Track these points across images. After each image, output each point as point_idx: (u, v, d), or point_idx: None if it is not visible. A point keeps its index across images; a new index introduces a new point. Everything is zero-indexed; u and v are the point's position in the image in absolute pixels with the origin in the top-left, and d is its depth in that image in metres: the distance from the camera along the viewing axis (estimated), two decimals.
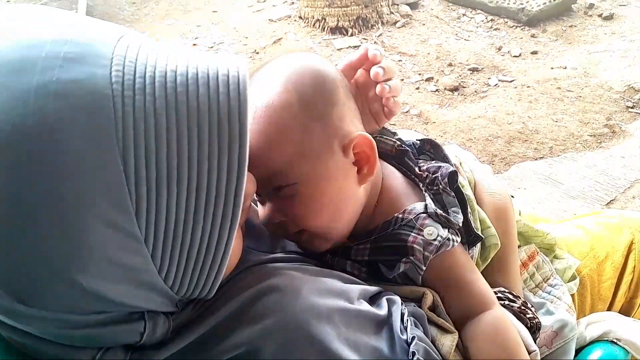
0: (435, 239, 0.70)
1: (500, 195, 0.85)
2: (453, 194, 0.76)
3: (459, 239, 0.73)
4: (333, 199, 0.70)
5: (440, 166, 0.77)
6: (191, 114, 0.45)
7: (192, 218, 0.47)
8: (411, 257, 0.70)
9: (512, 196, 1.04)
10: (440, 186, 0.76)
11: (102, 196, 0.42)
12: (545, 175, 2.43)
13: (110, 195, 0.42)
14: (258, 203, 0.74)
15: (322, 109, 0.69)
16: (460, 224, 0.74)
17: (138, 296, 0.50)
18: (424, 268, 0.70)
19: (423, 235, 0.70)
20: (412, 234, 0.70)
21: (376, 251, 0.72)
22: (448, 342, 0.68)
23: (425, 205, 0.73)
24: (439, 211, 0.73)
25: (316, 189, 0.69)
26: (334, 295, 0.61)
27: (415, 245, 0.70)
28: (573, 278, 0.97)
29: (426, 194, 0.75)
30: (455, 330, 0.70)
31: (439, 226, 0.71)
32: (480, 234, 0.77)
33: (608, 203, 2.23)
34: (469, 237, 0.76)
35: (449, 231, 0.72)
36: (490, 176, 0.90)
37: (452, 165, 0.80)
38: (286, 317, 0.56)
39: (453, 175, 0.77)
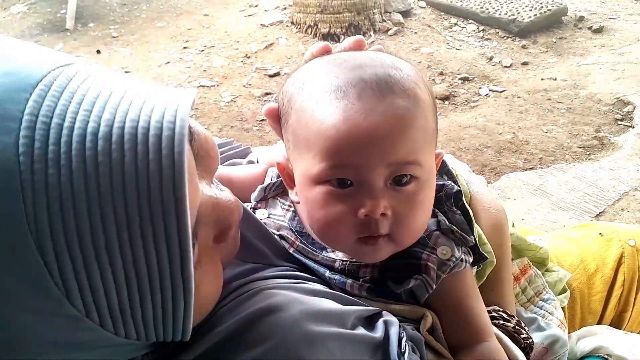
0: (449, 259, 0.67)
1: (495, 210, 0.83)
2: (459, 212, 0.73)
3: (471, 259, 0.71)
4: (431, 204, 0.67)
5: (443, 184, 0.74)
6: (116, 189, 0.38)
7: (136, 291, 0.42)
8: (424, 275, 0.67)
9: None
10: (446, 206, 0.73)
11: (20, 286, 0.38)
12: (535, 186, 2.42)
13: (29, 283, 0.38)
14: (371, 196, 0.63)
15: (436, 110, 0.68)
16: (473, 242, 0.72)
17: (99, 356, 0.47)
18: (434, 287, 0.67)
19: (437, 254, 0.67)
20: (426, 252, 0.68)
21: (385, 269, 0.69)
22: None
23: (438, 222, 0.70)
24: (454, 227, 0.70)
25: (430, 189, 0.66)
26: (329, 319, 0.58)
27: (429, 264, 0.67)
28: (564, 291, 0.95)
29: (436, 211, 0.72)
30: (451, 357, 0.68)
31: (453, 244, 0.69)
32: (485, 254, 0.74)
33: (597, 215, 2.23)
34: (474, 255, 0.73)
35: (462, 250, 0.69)
36: (485, 189, 0.87)
37: (455, 181, 0.78)
38: (281, 344, 0.54)
39: (458, 195, 0.74)
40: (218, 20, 4.47)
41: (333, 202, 0.62)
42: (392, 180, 0.62)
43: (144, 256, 0.40)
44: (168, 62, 3.80)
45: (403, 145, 0.60)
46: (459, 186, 0.78)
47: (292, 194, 0.73)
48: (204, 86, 3.46)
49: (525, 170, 2.56)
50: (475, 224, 0.78)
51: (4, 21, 4.70)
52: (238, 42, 4.02)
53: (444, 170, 0.79)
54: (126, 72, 3.70)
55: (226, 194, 0.56)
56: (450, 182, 0.76)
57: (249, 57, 3.78)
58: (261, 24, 4.25)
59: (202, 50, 3.94)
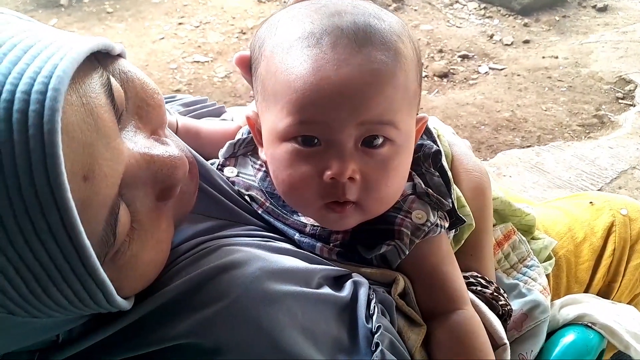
0: (424, 224, 0.63)
1: (478, 173, 0.79)
2: (437, 174, 0.69)
3: (446, 224, 0.67)
4: (406, 173, 0.63)
5: (422, 144, 0.70)
6: None
7: (36, 284, 0.38)
8: (396, 240, 0.63)
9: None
10: (423, 167, 0.69)
11: None
12: (532, 164, 2.38)
13: None
14: (341, 157, 0.57)
15: (421, 70, 0.63)
16: (450, 206, 0.68)
17: (24, 334, 0.43)
18: (407, 252, 0.64)
19: (411, 218, 0.64)
20: (399, 216, 0.64)
21: (358, 234, 0.65)
22: (414, 335, 0.63)
23: (414, 185, 0.66)
24: (430, 191, 0.66)
25: (406, 154, 0.61)
26: (292, 278, 0.55)
27: (403, 229, 0.63)
28: (549, 258, 0.92)
29: (413, 173, 0.68)
30: (424, 324, 0.64)
31: (429, 208, 0.65)
32: (463, 218, 0.70)
33: None
34: (450, 219, 0.69)
35: (437, 214, 0.66)
36: (468, 152, 0.84)
37: (435, 141, 0.74)
38: (235, 303, 0.50)
39: (437, 155, 0.70)
40: None
41: (298, 162, 0.58)
42: (363, 141, 0.57)
43: (30, 252, 0.36)
44: (162, 38, 3.74)
45: (377, 103, 0.54)
46: (439, 146, 0.74)
47: (261, 152, 0.68)
48: (198, 62, 3.40)
49: (523, 147, 2.51)
50: (454, 186, 0.74)
51: None
52: (234, 18, 3.95)
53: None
54: None
55: (168, 149, 0.50)
56: (429, 141, 0.72)
57: (244, 33, 3.72)
58: (258, 0, 4.18)
59: (197, 26, 3.87)
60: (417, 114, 0.65)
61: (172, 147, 0.51)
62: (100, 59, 0.46)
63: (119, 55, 0.50)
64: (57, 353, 0.50)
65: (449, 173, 0.73)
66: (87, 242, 0.38)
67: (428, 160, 0.69)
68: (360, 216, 0.62)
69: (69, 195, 0.35)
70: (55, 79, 0.35)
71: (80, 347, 0.50)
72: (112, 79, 0.45)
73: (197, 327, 0.49)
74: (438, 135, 0.80)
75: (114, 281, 0.43)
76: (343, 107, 0.54)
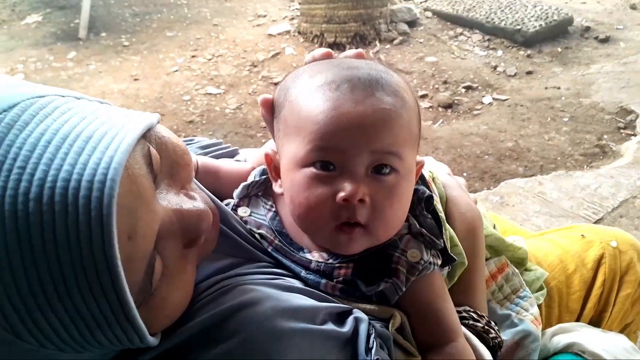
0: (418, 262, 0.70)
1: (470, 214, 0.85)
2: (430, 216, 0.76)
3: (439, 262, 0.73)
4: (408, 202, 0.71)
5: (416, 189, 0.77)
6: (48, 250, 0.41)
7: (86, 329, 0.46)
8: (394, 278, 0.69)
9: (487, 210, 1.04)
10: (417, 210, 0.75)
11: None
12: (534, 193, 2.43)
13: None
14: (348, 182, 0.65)
15: (420, 121, 0.73)
16: (442, 246, 0.74)
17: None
18: (404, 289, 0.69)
19: (407, 257, 0.70)
20: (396, 254, 0.70)
21: (359, 270, 0.71)
22: None
23: (409, 225, 0.72)
24: (424, 231, 0.72)
25: (409, 185, 0.69)
26: (299, 315, 0.61)
27: (399, 267, 0.69)
28: (541, 289, 0.97)
29: (408, 214, 0.74)
30: (419, 355, 0.70)
31: (423, 247, 0.71)
32: (454, 257, 0.77)
33: (596, 222, 2.23)
34: (442, 257, 0.76)
35: (430, 253, 0.72)
36: (462, 192, 0.90)
37: (427, 186, 0.81)
38: (249, 339, 0.56)
39: (429, 199, 0.76)
40: (227, 30, 4.55)
41: (315, 185, 0.65)
42: (374, 169, 0.65)
43: (84, 305, 0.44)
44: (176, 70, 3.88)
45: (386, 136, 0.64)
46: (431, 191, 0.80)
47: (275, 186, 0.75)
48: (210, 94, 3.52)
49: (525, 177, 2.57)
50: (448, 227, 0.81)
51: (20, 30, 4.83)
52: (245, 51, 4.09)
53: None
54: (135, 79, 3.78)
55: (194, 203, 0.57)
56: (422, 187, 0.79)
57: (255, 66, 3.84)
58: (269, 34, 4.32)
59: (210, 59, 4.01)
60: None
61: (199, 202, 0.59)
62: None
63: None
64: None
65: (441, 215, 0.79)
66: (130, 298, 0.45)
67: (421, 204, 0.76)
68: (368, 240, 0.68)
69: (120, 262, 0.44)
70: (112, 170, 0.44)
71: None
72: (151, 148, 0.53)
73: (221, 356, 0.55)
74: (433, 178, 0.87)
75: (146, 321, 0.50)
76: (358, 137, 0.63)
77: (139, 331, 0.48)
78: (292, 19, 4.51)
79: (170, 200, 0.55)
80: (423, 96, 3.36)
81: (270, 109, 0.74)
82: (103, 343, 0.48)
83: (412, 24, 4.31)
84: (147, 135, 0.54)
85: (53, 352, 0.47)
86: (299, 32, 4.20)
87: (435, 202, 0.78)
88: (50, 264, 0.42)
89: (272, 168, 0.76)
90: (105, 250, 0.43)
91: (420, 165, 0.75)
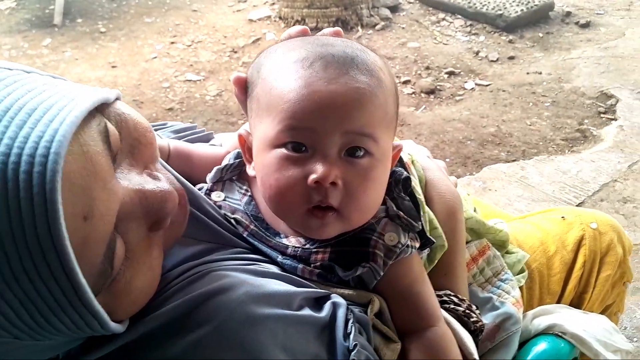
0: (396, 245, 0.68)
1: (450, 196, 0.83)
2: (408, 198, 0.74)
3: (417, 245, 0.71)
4: (384, 186, 0.68)
5: (393, 171, 0.75)
6: None
7: (39, 315, 0.43)
8: (371, 263, 0.67)
9: (468, 194, 1.03)
10: (395, 192, 0.74)
11: None
12: (517, 178, 2.44)
13: None
14: (320, 164, 0.63)
15: (398, 102, 0.71)
16: (420, 228, 0.72)
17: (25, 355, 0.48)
18: (382, 274, 0.68)
19: (384, 240, 0.68)
20: (374, 237, 0.68)
21: (337, 255, 0.69)
22: (390, 352, 0.67)
23: (386, 208, 0.71)
24: (401, 213, 0.70)
25: (384, 169, 0.67)
26: (274, 301, 0.59)
27: (376, 251, 0.67)
28: (522, 271, 0.96)
29: (386, 197, 0.73)
30: (399, 341, 0.69)
31: (400, 230, 0.69)
32: (433, 239, 0.75)
33: (577, 205, 2.24)
34: (421, 240, 0.74)
35: (408, 236, 0.70)
36: (441, 175, 0.88)
37: (405, 168, 0.79)
38: (222, 326, 0.54)
39: (406, 181, 0.74)
40: (206, 15, 4.47)
41: (286, 167, 0.63)
42: (347, 151, 0.62)
43: (34, 289, 0.41)
44: (155, 57, 3.80)
45: (360, 117, 0.61)
46: (409, 173, 0.78)
47: (249, 169, 0.73)
48: (190, 80, 3.46)
49: (508, 162, 2.57)
50: (427, 209, 0.79)
51: None
52: (225, 37, 4.02)
53: None
54: (113, 66, 3.70)
55: (158, 184, 0.55)
56: (399, 168, 0.77)
57: (235, 52, 3.78)
58: (249, 19, 4.26)
59: (190, 45, 3.94)
60: (394, 141, 0.71)
61: (163, 182, 0.56)
62: (98, 106, 0.51)
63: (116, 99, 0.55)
64: None
65: (419, 197, 0.78)
66: (83, 280, 0.43)
67: (399, 186, 0.74)
68: (341, 225, 0.66)
69: (67, 242, 0.40)
70: (56, 143, 0.41)
71: None
72: (109, 124, 0.50)
73: (187, 349, 0.53)
74: (413, 161, 0.85)
75: (109, 306, 0.47)
76: (330, 117, 0.60)
77: (97, 316, 0.45)
78: (273, 4, 4.44)
79: (132, 180, 0.52)
80: (405, 82, 3.34)
81: (244, 87, 0.71)
82: (60, 329, 0.45)
83: (394, 9, 4.27)
84: (105, 112, 0.51)
85: (9, 340, 0.44)
86: (280, 17, 4.15)
87: (413, 183, 0.76)
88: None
89: (246, 149, 0.73)
90: (50, 228, 0.39)
91: (398, 148, 0.73)
